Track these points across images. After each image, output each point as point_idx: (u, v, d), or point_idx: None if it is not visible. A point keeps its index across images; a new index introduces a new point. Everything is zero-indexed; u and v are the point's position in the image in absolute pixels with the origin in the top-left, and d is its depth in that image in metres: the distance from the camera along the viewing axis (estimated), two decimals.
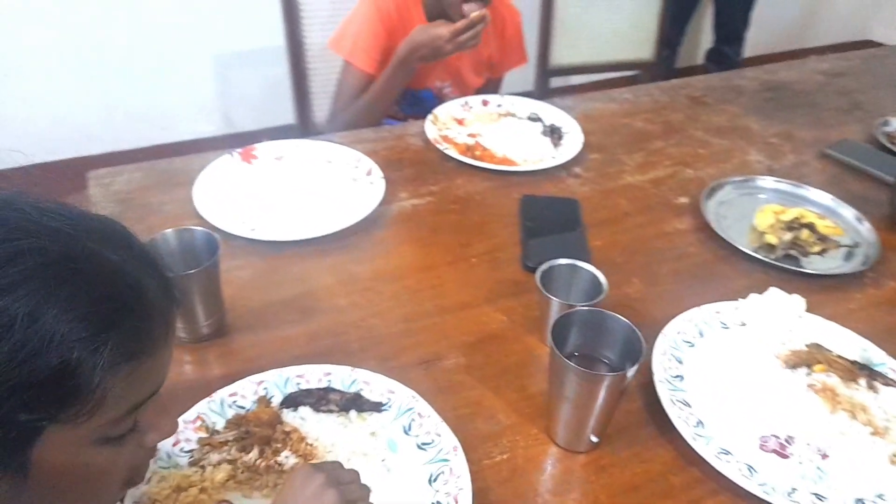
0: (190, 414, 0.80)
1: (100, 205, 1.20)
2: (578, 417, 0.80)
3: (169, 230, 0.93)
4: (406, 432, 0.82)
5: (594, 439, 0.82)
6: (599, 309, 0.83)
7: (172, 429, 0.57)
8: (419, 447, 0.80)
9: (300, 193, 1.27)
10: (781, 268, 1.14)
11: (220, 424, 0.81)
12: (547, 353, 0.81)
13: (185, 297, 0.89)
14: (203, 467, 0.76)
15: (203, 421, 0.80)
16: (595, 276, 0.95)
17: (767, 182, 1.38)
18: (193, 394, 0.84)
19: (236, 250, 1.11)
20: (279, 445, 0.78)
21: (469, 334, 0.99)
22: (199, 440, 0.79)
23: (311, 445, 0.79)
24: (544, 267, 0.96)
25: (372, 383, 0.86)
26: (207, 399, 0.82)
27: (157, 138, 2.64)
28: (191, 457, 0.77)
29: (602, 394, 0.76)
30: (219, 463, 0.76)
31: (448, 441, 0.79)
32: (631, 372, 0.75)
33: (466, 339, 0.98)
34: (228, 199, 1.22)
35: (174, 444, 0.77)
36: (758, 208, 1.25)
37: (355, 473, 0.66)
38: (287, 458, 0.77)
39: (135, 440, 0.53)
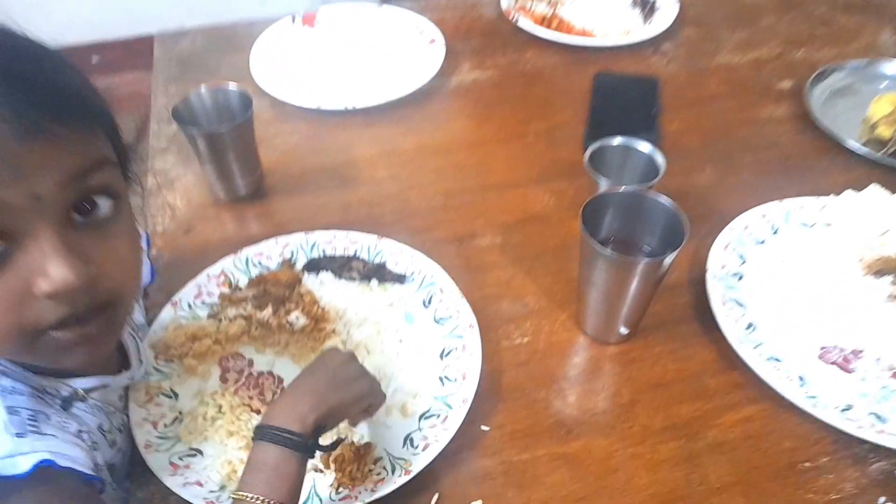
0: (215, 269, 0.81)
1: (160, 65, 1.20)
2: (608, 306, 0.73)
3: (203, 88, 0.91)
4: (425, 305, 0.78)
5: (624, 331, 0.75)
6: (641, 191, 0.74)
7: (62, 279, 0.47)
8: (436, 321, 0.77)
9: (356, 61, 1.21)
10: (889, 166, 0.97)
11: (242, 282, 0.81)
12: None
13: (221, 155, 0.89)
14: (220, 320, 0.77)
15: (226, 277, 0.81)
16: (652, 158, 0.85)
17: (894, 68, 1.16)
18: (225, 250, 0.84)
19: (285, 116, 1.08)
20: (292, 305, 0.77)
21: (510, 213, 0.92)
22: (221, 295, 0.79)
23: (322, 309, 0.77)
24: (596, 146, 0.86)
25: (398, 255, 0.83)
26: (233, 256, 0.82)
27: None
28: (210, 310, 0.78)
29: (635, 282, 0.68)
30: (234, 318, 0.77)
31: (466, 318, 0.75)
32: (668, 259, 0.66)
33: (507, 218, 0.91)
34: (284, 64, 1.18)
35: (196, 296, 0.79)
36: (875, 97, 1.06)
37: (377, 382, 0.66)
38: (297, 319, 0.76)
39: (12, 281, 0.47)
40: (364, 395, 0.63)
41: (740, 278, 0.82)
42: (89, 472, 0.53)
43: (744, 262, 0.84)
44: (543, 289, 0.82)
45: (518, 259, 0.86)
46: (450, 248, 0.87)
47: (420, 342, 0.75)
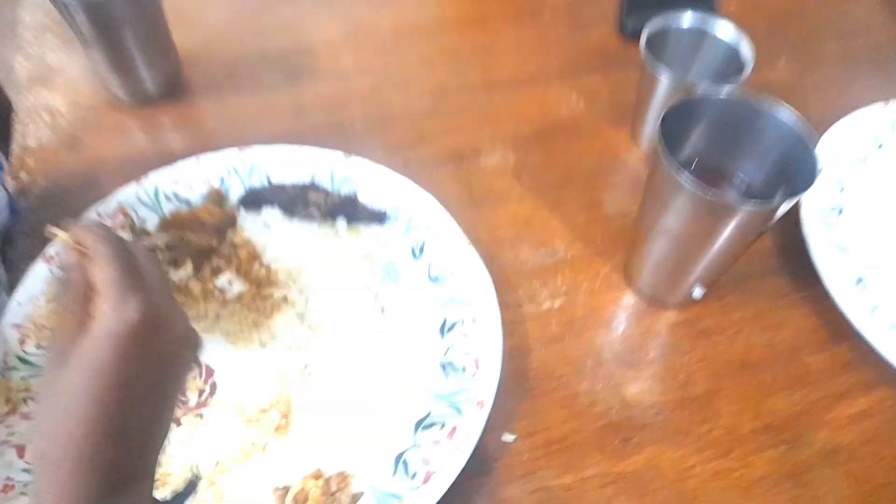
0: (109, 203, 0.56)
1: None
2: (681, 260, 0.51)
3: None
4: (415, 256, 0.56)
5: (697, 293, 0.54)
6: (742, 96, 0.50)
7: None
8: (431, 280, 0.54)
9: None
10: None
11: (151, 223, 0.56)
12: (642, 157, 0.51)
13: (114, 37, 0.61)
14: None
15: (128, 216, 0.56)
16: (732, 47, 0.60)
17: None
18: (125, 175, 0.59)
19: None
20: (221, 262, 0.53)
21: (526, 122, 0.68)
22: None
23: (266, 268, 0.54)
24: (655, 27, 0.61)
25: (374, 181, 0.58)
26: (136, 184, 0.57)
27: None
28: None
29: (729, 232, 0.46)
30: None
31: (475, 274, 0.53)
32: (786, 205, 0.44)
33: (521, 128, 0.67)
34: None
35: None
36: None
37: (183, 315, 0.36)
38: (230, 284, 0.53)
39: None
40: (173, 376, 0.34)
41: (840, 213, 0.61)
42: None
43: (842, 190, 0.62)
44: (576, 229, 0.60)
45: (539, 186, 0.62)
46: (444, 171, 0.63)
47: (409, 311, 0.53)
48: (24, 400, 0.47)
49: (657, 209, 0.49)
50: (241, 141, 0.61)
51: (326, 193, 0.58)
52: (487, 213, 0.60)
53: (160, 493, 0.43)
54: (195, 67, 0.70)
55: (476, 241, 0.55)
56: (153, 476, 0.32)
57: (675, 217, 0.47)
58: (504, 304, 0.52)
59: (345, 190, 0.59)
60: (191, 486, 0.43)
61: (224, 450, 0.46)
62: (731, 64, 0.60)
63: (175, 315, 0.34)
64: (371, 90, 0.70)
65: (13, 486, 0.43)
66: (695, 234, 0.48)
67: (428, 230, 0.56)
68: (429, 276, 0.54)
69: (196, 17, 0.75)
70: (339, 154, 0.59)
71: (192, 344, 0.35)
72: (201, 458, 0.46)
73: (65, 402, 0.29)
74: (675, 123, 0.48)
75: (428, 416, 0.48)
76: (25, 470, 0.44)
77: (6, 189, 0.56)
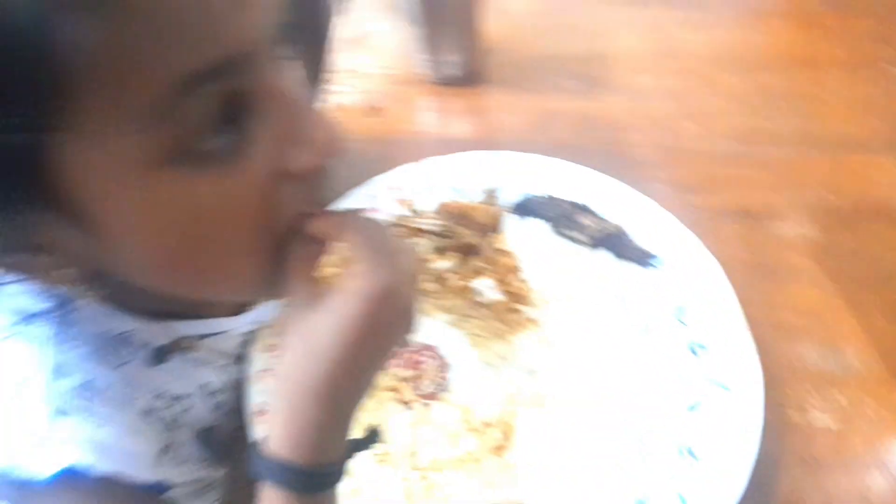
0: (395, 178, 0.59)
1: None
2: None
3: None
4: (678, 316, 0.51)
5: None
6: None
7: (327, 137, 0.31)
8: (689, 347, 0.50)
9: None
10: None
11: (426, 207, 0.58)
12: None
13: (434, 13, 0.63)
14: None
15: (404, 193, 0.58)
16: None
17: None
18: (414, 151, 0.62)
19: None
20: (482, 264, 0.53)
21: (839, 193, 0.59)
22: (397, 216, 0.57)
23: (523, 283, 0.53)
24: None
25: (649, 220, 0.55)
26: (416, 165, 0.59)
27: None
28: None
29: None
30: None
31: (742, 356, 0.47)
32: None
33: (832, 199, 0.58)
34: None
35: (371, 211, 0.58)
36: None
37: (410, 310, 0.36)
38: (486, 289, 0.53)
39: (263, 164, 0.31)
40: (389, 346, 0.35)
41: None
42: (140, 478, 0.37)
43: None
44: (875, 336, 0.51)
45: (840, 274, 0.54)
46: (729, 227, 0.57)
47: (658, 371, 0.49)
48: None
49: None
50: (525, 143, 0.60)
51: (598, 220, 0.56)
52: (770, 289, 0.53)
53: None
54: (493, 57, 0.71)
55: (749, 318, 0.49)
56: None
57: None
58: (766, 403, 0.46)
59: (615, 220, 0.56)
60: (370, 439, 0.43)
61: (443, 448, 0.47)
62: None
63: (411, 296, 0.35)
64: (666, 117, 0.65)
65: (266, 412, 0.48)
66: None
67: (695, 288, 0.51)
68: (688, 342, 0.50)
69: (507, 3, 0.76)
70: (617, 183, 0.56)
71: (410, 326, 0.36)
72: (420, 447, 0.47)
73: (313, 340, 0.33)
74: None
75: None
76: None
77: None
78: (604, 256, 0.55)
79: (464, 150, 0.59)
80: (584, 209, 0.56)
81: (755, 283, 0.53)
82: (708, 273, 0.51)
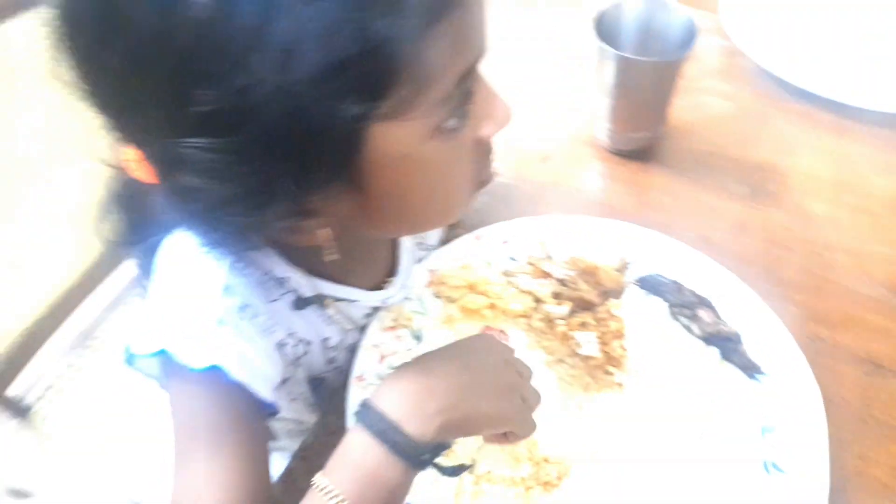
0: (538, 221, 0.65)
1: None
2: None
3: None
4: (763, 435, 0.52)
5: None
6: None
7: (506, 114, 0.43)
8: (764, 465, 0.50)
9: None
10: None
11: (559, 254, 0.63)
12: None
13: (623, 90, 0.68)
14: (510, 283, 0.61)
15: (542, 240, 0.64)
16: None
17: None
18: (567, 203, 0.68)
19: (736, 70, 0.81)
20: (590, 321, 0.57)
21: None
22: (530, 256, 0.63)
23: (623, 349, 0.56)
24: None
25: (770, 335, 0.55)
26: (568, 218, 0.64)
27: None
28: (510, 264, 0.63)
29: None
30: (526, 291, 0.60)
31: (814, 483, 0.47)
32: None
33: None
34: (782, 17, 0.88)
35: (504, 242, 0.64)
36: None
37: (530, 371, 0.49)
38: (587, 343, 0.56)
39: (471, 133, 0.42)
40: (511, 418, 0.45)
41: None
42: (262, 395, 0.45)
43: None
44: None
45: None
46: (851, 371, 0.56)
47: (723, 478, 0.50)
48: (404, 327, 0.59)
49: None
50: (675, 229, 0.63)
51: (716, 319, 0.57)
52: (870, 443, 0.52)
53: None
54: (672, 141, 0.75)
55: (837, 461, 0.48)
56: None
57: None
58: None
59: (734, 325, 0.57)
60: (459, 468, 0.49)
61: (501, 465, 0.51)
62: None
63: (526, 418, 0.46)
64: (823, 245, 0.65)
65: (363, 379, 0.56)
66: None
67: (790, 416, 0.51)
68: (763, 459, 0.50)
69: (701, 95, 0.79)
70: (747, 289, 0.58)
71: (523, 433, 0.46)
72: (483, 457, 0.52)
73: (457, 353, 0.46)
74: None
75: None
76: (378, 375, 0.56)
77: None
78: (710, 352, 0.56)
79: (615, 217, 0.64)
80: (708, 305, 0.58)
81: (857, 431, 0.52)
82: (808, 405, 0.51)
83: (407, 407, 0.41)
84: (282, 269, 0.49)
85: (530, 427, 0.47)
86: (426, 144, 0.38)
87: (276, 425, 0.67)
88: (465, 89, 0.38)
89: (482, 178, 0.46)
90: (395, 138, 0.37)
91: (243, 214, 0.37)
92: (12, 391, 0.88)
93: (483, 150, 0.45)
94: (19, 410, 0.91)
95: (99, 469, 0.83)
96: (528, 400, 0.47)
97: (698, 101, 0.80)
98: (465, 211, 0.48)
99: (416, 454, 0.40)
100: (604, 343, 0.56)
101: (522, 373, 0.48)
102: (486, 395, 0.44)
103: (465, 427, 0.44)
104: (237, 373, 0.44)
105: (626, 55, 0.65)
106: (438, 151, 0.39)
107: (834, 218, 0.67)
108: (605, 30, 0.68)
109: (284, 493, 0.51)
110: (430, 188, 0.42)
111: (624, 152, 0.74)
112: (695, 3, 0.90)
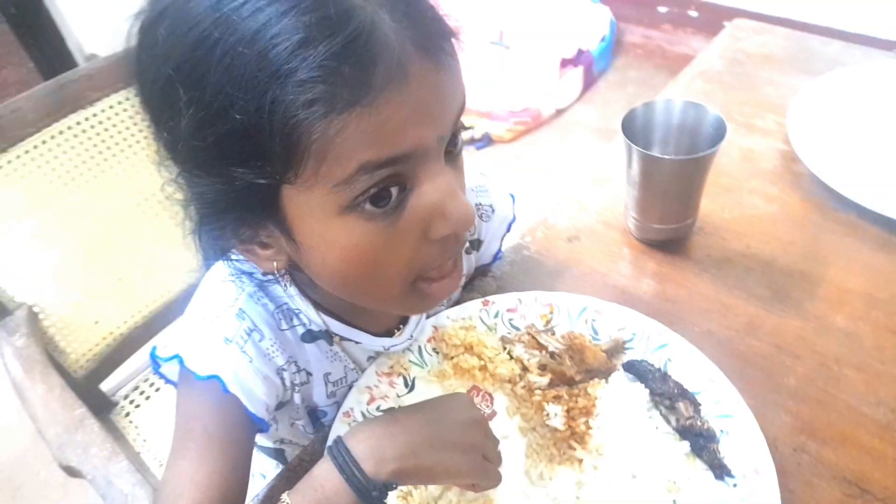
0: (548, 296, 0.68)
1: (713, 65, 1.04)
2: None
3: (677, 99, 0.72)
4: None
5: None
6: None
7: (461, 218, 0.44)
8: None
9: None
10: None
11: (561, 328, 0.66)
12: None
13: (650, 184, 0.71)
14: (507, 350, 0.65)
15: (551, 311, 0.67)
16: None
17: None
18: (584, 283, 0.72)
19: (800, 183, 0.81)
20: (561, 396, 0.60)
21: None
22: (530, 326, 0.67)
23: (588, 428, 0.57)
24: None
25: (749, 442, 0.55)
26: (567, 295, 0.68)
27: None
28: (509, 332, 0.67)
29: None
30: (516, 359, 0.64)
31: None
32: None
33: None
34: (844, 131, 0.86)
35: (510, 310, 0.68)
36: None
37: (496, 460, 0.53)
38: (555, 416, 0.59)
39: (412, 226, 0.45)
40: (467, 474, 0.50)
41: None
42: (252, 410, 0.52)
43: None
44: None
45: None
46: (831, 491, 0.54)
47: None
48: (399, 374, 0.65)
49: None
50: (688, 322, 0.65)
51: (697, 415, 0.58)
52: None
53: None
54: (703, 237, 0.76)
55: None
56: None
57: None
58: None
59: (715, 425, 0.57)
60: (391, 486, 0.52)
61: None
62: None
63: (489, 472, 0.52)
64: (835, 359, 0.63)
65: (350, 415, 0.61)
66: None
67: None
68: None
69: (741, 199, 0.80)
70: (738, 396, 0.57)
71: (487, 485, 0.52)
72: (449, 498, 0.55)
73: (422, 410, 0.52)
74: None
75: None
76: (364, 414, 0.61)
77: (500, 240, 0.74)
78: (681, 446, 0.56)
79: (628, 303, 0.66)
80: (690, 399, 0.59)
81: None
82: None
83: (368, 448, 0.48)
84: (296, 302, 0.57)
85: (494, 480, 0.52)
86: (341, 219, 0.43)
87: (287, 449, 0.74)
88: (377, 179, 0.41)
89: (429, 273, 0.48)
90: (304, 202, 0.43)
91: (217, 231, 0.47)
92: (104, 386, 1.04)
93: (433, 245, 0.46)
94: (107, 404, 1.05)
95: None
96: (491, 458, 0.51)
97: (742, 200, 0.80)
98: (423, 304, 0.51)
99: (367, 490, 0.46)
100: (571, 418, 0.58)
101: (488, 435, 0.52)
102: (445, 450, 0.49)
103: (419, 475, 0.49)
104: (231, 387, 0.52)
105: (648, 152, 0.68)
106: (362, 231, 0.44)
107: (854, 333, 0.65)
108: (640, 125, 0.72)
109: None
110: (353, 261, 0.45)
111: (650, 242, 0.76)
112: (765, 106, 0.92)
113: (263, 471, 0.77)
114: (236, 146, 0.41)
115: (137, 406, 1.05)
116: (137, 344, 1.02)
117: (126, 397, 1.07)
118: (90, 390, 0.99)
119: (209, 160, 0.42)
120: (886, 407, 0.58)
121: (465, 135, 2.35)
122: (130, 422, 1.03)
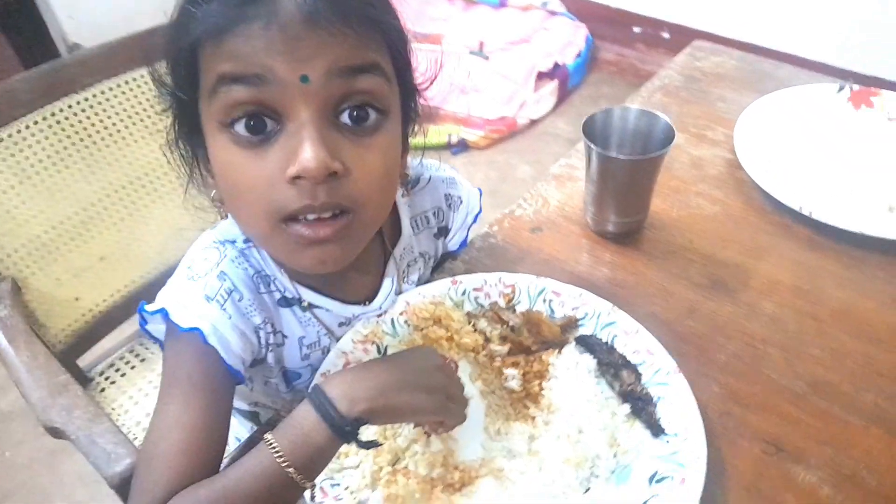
0: (513, 276, 0.75)
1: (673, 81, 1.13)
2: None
3: (632, 106, 0.80)
4: (650, 484, 0.58)
5: None
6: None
7: (307, 164, 0.49)
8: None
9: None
10: None
11: (522, 305, 0.73)
12: None
13: (606, 183, 0.79)
14: (472, 323, 0.71)
15: (514, 291, 0.74)
16: None
17: None
18: (550, 270, 0.78)
19: (742, 188, 0.90)
20: (518, 361, 0.66)
21: (876, 472, 0.59)
22: (494, 303, 0.73)
23: (541, 389, 0.64)
24: None
25: (682, 405, 0.62)
26: (528, 277, 0.74)
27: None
28: (475, 308, 0.73)
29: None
30: (480, 331, 0.70)
31: None
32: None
33: (866, 477, 0.59)
34: (784, 145, 0.96)
35: (476, 289, 0.75)
36: None
37: (461, 401, 0.60)
38: (512, 379, 0.65)
39: (274, 163, 0.51)
40: (433, 411, 0.57)
41: None
42: (229, 362, 0.58)
43: None
44: None
45: None
46: (751, 450, 0.61)
47: None
48: (373, 342, 0.70)
49: None
50: (637, 306, 0.72)
51: (637, 381, 0.65)
52: None
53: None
54: (652, 230, 0.84)
55: None
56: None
57: None
58: None
59: (657, 392, 0.64)
60: (371, 443, 0.56)
61: (419, 465, 0.60)
62: None
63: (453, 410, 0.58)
64: (761, 339, 0.71)
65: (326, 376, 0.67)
66: None
67: (674, 470, 0.57)
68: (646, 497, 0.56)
69: (688, 199, 0.88)
70: (674, 365, 0.64)
71: (454, 422, 0.59)
72: (410, 456, 0.61)
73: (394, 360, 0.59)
74: None
75: None
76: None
77: (468, 228, 0.81)
78: (622, 408, 0.63)
79: (583, 287, 0.72)
80: (632, 368, 0.66)
81: (740, 500, 0.57)
82: (694, 465, 0.57)
83: (342, 391, 0.53)
84: (271, 269, 0.63)
85: (458, 418, 0.58)
86: (220, 135, 0.52)
87: (262, 412, 0.79)
88: (242, 99, 0.49)
89: (283, 211, 0.52)
90: (205, 120, 0.53)
91: (182, 150, 0.58)
92: (81, 362, 1.07)
93: (290, 187, 0.50)
94: (83, 380, 1.08)
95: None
96: (454, 398, 0.57)
97: (689, 201, 0.88)
98: (302, 255, 0.55)
99: (341, 425, 0.52)
100: (526, 381, 0.65)
101: (451, 378, 0.58)
102: (411, 390, 0.55)
103: (388, 413, 0.55)
104: (210, 339, 0.57)
105: (605, 152, 0.76)
106: (231, 151, 0.51)
107: (779, 318, 0.73)
108: (599, 129, 0.80)
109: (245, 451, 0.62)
110: (223, 179, 0.54)
111: (605, 234, 0.83)
112: (716, 119, 1.01)
113: (239, 434, 0.81)
114: (171, 64, 0.53)
115: (113, 382, 1.08)
116: (115, 322, 1.06)
117: (102, 374, 1.10)
118: (67, 365, 1.02)
119: (172, 79, 0.54)
120: (803, 381, 0.66)
121: (440, 139, 2.39)
122: (105, 398, 1.06)
